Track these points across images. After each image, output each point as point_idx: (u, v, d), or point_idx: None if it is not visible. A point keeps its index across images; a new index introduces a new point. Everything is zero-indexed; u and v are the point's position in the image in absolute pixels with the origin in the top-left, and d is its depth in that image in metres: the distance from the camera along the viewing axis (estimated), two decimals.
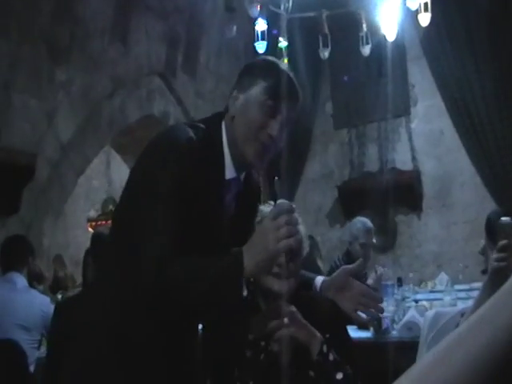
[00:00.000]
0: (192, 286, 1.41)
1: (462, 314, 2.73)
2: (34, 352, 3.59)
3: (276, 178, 1.54)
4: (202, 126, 1.63)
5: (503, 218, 2.04)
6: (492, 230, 2.79)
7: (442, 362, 0.50)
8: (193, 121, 1.78)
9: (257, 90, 1.60)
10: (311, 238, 4.51)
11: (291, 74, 1.65)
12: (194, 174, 1.51)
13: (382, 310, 1.91)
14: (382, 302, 1.91)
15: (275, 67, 1.65)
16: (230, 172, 1.64)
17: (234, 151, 1.63)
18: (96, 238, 3.38)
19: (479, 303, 1.96)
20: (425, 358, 0.52)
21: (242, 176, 1.71)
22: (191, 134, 1.56)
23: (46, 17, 4.94)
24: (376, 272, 4.33)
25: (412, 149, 7.32)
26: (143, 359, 1.54)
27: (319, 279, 1.96)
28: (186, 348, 1.64)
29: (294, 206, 1.46)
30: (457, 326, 0.54)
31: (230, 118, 1.64)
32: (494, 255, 2.08)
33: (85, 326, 1.65)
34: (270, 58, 1.75)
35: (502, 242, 2.01)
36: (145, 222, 1.48)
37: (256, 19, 5.06)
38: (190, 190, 1.49)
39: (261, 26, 5.14)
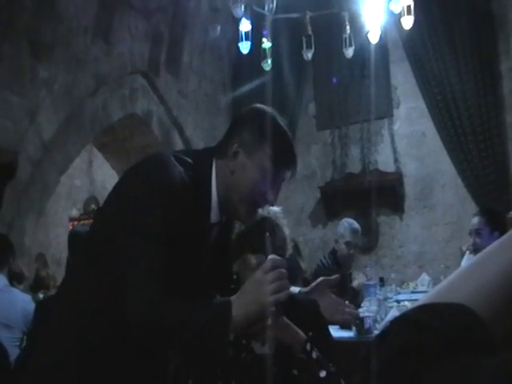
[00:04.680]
0: (178, 333, 1.42)
1: None
2: (16, 350, 3.56)
3: (267, 233, 1.57)
4: (190, 161, 1.60)
5: None
6: (501, 222, 3.02)
7: (474, 273, 0.58)
8: (182, 152, 1.76)
9: (261, 155, 1.60)
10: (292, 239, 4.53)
11: (291, 140, 1.70)
12: (182, 215, 1.50)
13: (356, 316, 2.06)
14: (356, 311, 2.06)
15: (280, 134, 1.65)
16: (214, 216, 1.64)
17: (223, 197, 1.63)
18: (73, 237, 3.36)
19: None
20: (455, 274, 0.60)
21: (224, 218, 1.72)
22: (183, 174, 1.53)
23: (28, 13, 4.90)
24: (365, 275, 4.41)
25: (394, 150, 7.35)
26: (117, 359, 1.53)
27: (295, 289, 2.02)
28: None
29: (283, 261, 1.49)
30: None
31: (229, 171, 1.62)
32: None
33: (53, 326, 1.63)
34: (276, 118, 1.69)
35: None
36: (131, 261, 1.44)
37: (240, 19, 5.07)
38: (175, 231, 1.47)
39: (245, 26, 5.14)
